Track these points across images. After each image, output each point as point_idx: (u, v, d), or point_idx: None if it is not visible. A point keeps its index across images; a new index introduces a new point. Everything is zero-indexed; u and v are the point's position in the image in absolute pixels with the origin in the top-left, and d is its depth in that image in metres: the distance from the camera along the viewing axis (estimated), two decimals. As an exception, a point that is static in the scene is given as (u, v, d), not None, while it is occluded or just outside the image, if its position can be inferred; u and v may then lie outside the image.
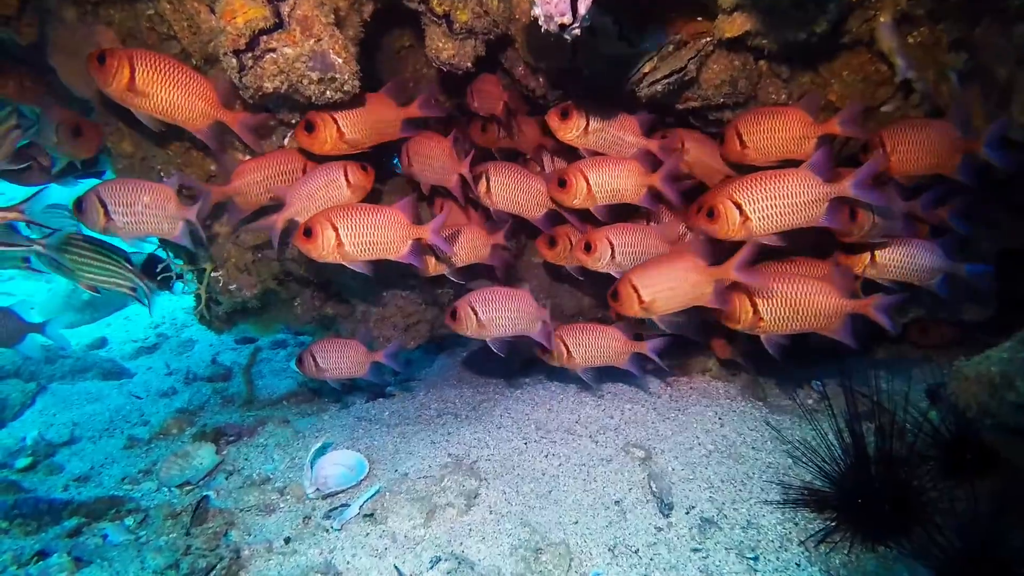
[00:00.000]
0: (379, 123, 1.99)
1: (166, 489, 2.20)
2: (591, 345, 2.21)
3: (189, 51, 1.92)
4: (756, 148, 1.92)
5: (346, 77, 1.68)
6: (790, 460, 2.05)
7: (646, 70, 1.85)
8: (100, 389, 3.08)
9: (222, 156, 2.06)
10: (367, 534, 1.81)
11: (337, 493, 2.05)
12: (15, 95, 2.26)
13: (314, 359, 2.31)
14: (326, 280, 2.48)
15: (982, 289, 2.25)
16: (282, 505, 2.03)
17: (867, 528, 1.69)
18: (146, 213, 1.84)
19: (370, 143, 2.00)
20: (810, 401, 2.52)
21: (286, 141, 2.13)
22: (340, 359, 2.32)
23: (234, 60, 1.62)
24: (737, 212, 1.74)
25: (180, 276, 2.35)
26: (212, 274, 2.27)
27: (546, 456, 2.12)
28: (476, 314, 2.06)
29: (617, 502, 1.90)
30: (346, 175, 1.97)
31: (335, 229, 1.81)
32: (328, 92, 1.73)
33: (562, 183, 2.06)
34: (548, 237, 2.33)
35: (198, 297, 2.30)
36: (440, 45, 1.94)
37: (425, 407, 2.70)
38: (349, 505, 1.94)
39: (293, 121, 2.02)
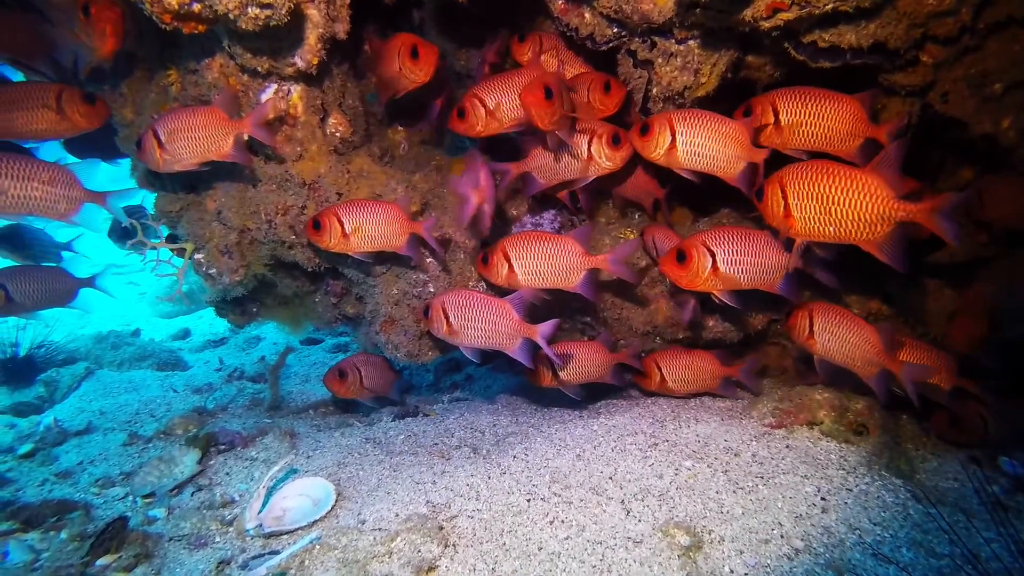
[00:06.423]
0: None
1: (130, 498, 1.94)
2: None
3: None
4: None
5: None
6: (941, 587, 1.25)
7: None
8: (144, 379, 2.97)
9: (251, 165, 1.87)
10: (271, 602, 1.35)
11: (281, 534, 1.62)
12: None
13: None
14: (329, 268, 2.08)
15: None
16: (217, 540, 1.64)
17: None
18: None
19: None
20: (996, 488, 1.63)
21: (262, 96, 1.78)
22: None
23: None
24: None
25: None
26: (194, 256, 1.97)
27: (551, 523, 1.51)
28: (447, 317, 1.74)
29: (630, 612, 1.25)
30: None
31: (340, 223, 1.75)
32: (251, 9, 1.31)
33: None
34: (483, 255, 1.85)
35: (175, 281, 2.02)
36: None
37: (448, 434, 2.20)
38: (279, 552, 1.49)
39: (287, 71, 1.68)
